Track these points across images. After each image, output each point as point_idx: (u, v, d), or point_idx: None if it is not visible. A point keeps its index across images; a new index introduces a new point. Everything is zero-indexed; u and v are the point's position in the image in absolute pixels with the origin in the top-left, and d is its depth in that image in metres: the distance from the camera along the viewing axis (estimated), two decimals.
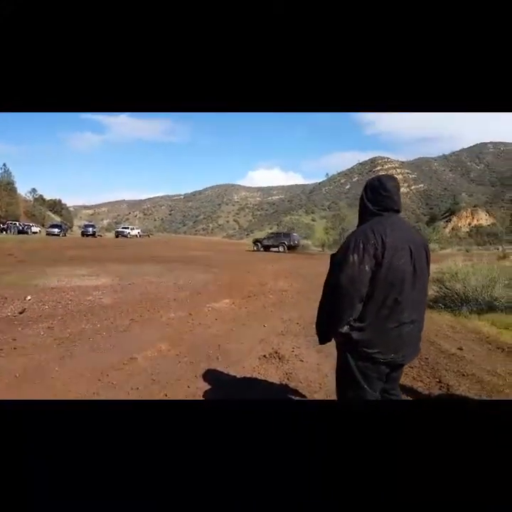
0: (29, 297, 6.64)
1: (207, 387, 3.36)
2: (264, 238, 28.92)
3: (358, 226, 1.89)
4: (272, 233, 30.75)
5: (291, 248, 27.32)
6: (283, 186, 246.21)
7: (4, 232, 34.26)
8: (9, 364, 3.66)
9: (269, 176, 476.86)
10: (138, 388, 3.27)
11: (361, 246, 1.69)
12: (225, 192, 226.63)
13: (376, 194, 1.82)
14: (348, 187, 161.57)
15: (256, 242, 29.17)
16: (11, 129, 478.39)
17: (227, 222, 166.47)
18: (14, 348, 4.10)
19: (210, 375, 3.61)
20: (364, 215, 1.86)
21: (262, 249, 27.64)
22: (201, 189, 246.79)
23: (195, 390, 3.29)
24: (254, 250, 27.72)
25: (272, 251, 27.20)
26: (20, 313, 5.62)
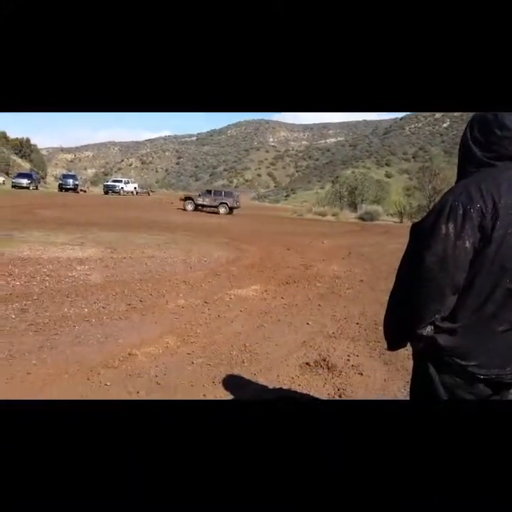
0: None
1: (228, 397, 3.56)
2: (199, 195, 31.04)
3: (456, 182, 1.79)
4: (208, 190, 32.74)
5: (231, 211, 30.60)
6: (343, 123, 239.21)
7: None
8: None
9: None
10: (138, 392, 3.53)
11: (461, 211, 1.59)
12: (255, 132, 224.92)
13: (488, 134, 1.63)
14: (445, 125, 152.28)
15: (187, 198, 31.26)
16: None
17: (258, 176, 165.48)
18: None
19: (233, 383, 3.81)
20: (467, 165, 1.75)
21: (190, 208, 30.05)
22: (222, 127, 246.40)
23: (214, 399, 3.50)
24: (183, 209, 29.73)
25: (205, 211, 29.59)
26: None
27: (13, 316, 5.10)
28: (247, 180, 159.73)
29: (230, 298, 6.67)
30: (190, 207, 29.97)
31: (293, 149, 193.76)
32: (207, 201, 30.34)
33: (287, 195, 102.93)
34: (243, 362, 4.31)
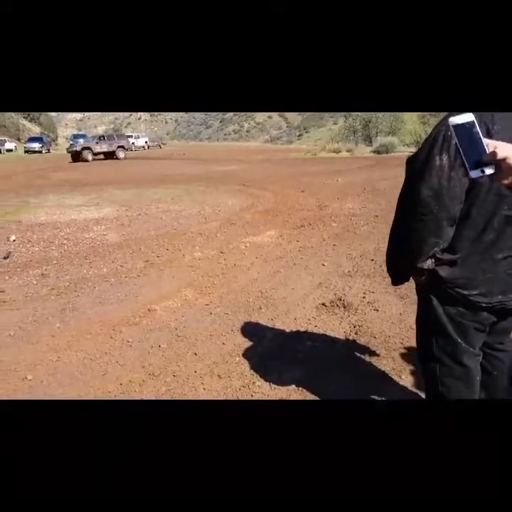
0: (13, 237, 7.23)
1: (247, 343, 3.64)
2: (96, 143, 30.53)
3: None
4: (101, 137, 32.90)
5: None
6: None
7: None
8: (0, 321, 4.16)
9: None
10: (160, 346, 3.62)
11: (454, 141, 1.61)
12: None
13: None
14: None
15: (85, 148, 29.45)
16: None
17: (270, 118, 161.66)
18: (3, 302, 4.62)
19: (251, 329, 3.88)
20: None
21: (90, 158, 28.73)
22: None
23: (233, 347, 3.59)
24: (85, 160, 28.46)
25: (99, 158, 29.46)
26: (5, 258, 6.18)
27: (35, 282, 5.23)
28: (258, 124, 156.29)
29: (246, 246, 6.68)
30: (90, 157, 28.82)
31: None
32: (104, 148, 30.38)
33: (300, 135, 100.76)
34: (260, 308, 4.36)
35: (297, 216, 8.80)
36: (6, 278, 5.38)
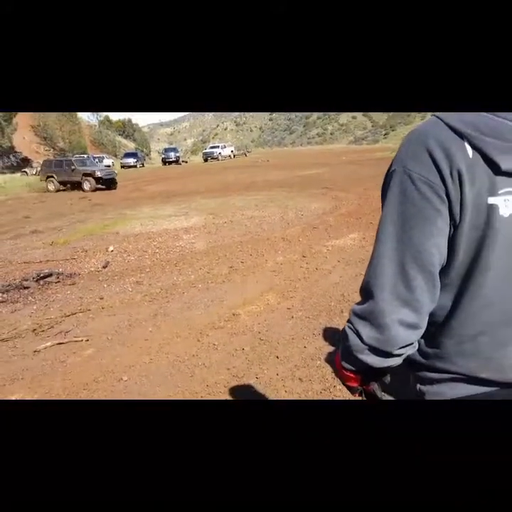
0: (111, 248, 7.78)
1: (329, 347, 3.65)
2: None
3: None
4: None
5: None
6: None
7: None
8: (100, 325, 4.52)
9: None
10: (243, 349, 3.74)
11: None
12: None
13: None
14: None
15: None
16: None
17: (354, 118, 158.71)
18: (102, 308, 5.00)
19: (332, 333, 3.88)
20: None
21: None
22: None
23: (314, 350, 3.61)
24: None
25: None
26: (104, 267, 6.68)
27: (130, 289, 5.60)
28: (341, 125, 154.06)
29: (328, 249, 6.66)
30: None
31: None
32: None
33: (386, 134, 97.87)
34: (342, 312, 4.34)
35: None
36: (105, 286, 5.81)
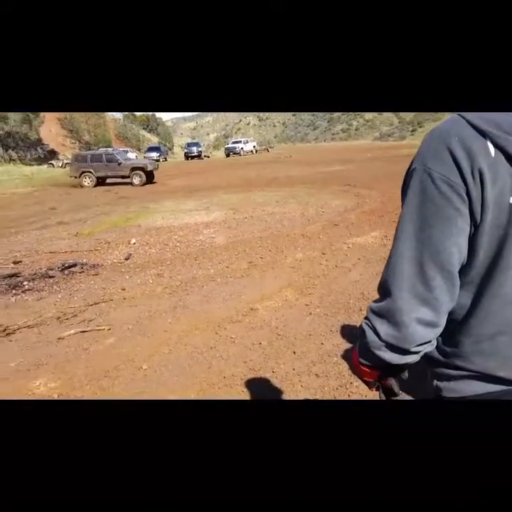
0: (133, 240, 7.91)
1: (346, 345, 3.67)
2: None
3: None
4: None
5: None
6: None
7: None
8: (121, 315, 4.62)
9: None
10: (260, 344, 3.79)
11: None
12: None
13: None
14: None
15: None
16: None
17: (379, 114, 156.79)
18: (124, 299, 5.11)
19: (350, 330, 3.90)
20: None
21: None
22: None
23: (331, 347, 3.64)
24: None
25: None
26: (126, 259, 6.80)
27: (151, 281, 5.70)
28: (367, 121, 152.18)
29: (348, 247, 6.66)
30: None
31: None
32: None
33: (413, 130, 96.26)
34: (361, 310, 4.35)
35: None
36: (127, 277, 5.92)
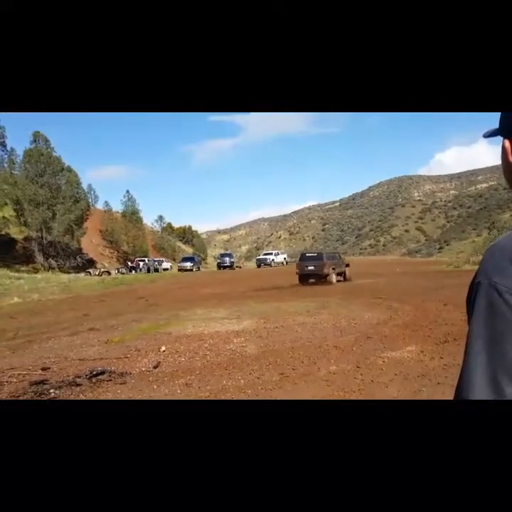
0: (163, 348, 7.79)
1: None
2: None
3: None
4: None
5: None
6: (493, 167, 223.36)
7: (134, 271, 41.09)
8: None
9: (468, 155, 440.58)
10: None
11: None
12: (399, 189, 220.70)
13: None
14: None
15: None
16: (128, 151, 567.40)
17: (407, 232, 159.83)
18: None
19: None
20: None
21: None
22: (363, 189, 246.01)
23: None
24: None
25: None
26: (155, 367, 6.65)
27: (179, 391, 5.48)
28: (394, 238, 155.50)
29: (383, 361, 6.37)
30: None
31: (441, 200, 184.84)
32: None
33: (440, 248, 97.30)
34: None
35: (440, 331, 8.25)
36: (155, 387, 5.73)
